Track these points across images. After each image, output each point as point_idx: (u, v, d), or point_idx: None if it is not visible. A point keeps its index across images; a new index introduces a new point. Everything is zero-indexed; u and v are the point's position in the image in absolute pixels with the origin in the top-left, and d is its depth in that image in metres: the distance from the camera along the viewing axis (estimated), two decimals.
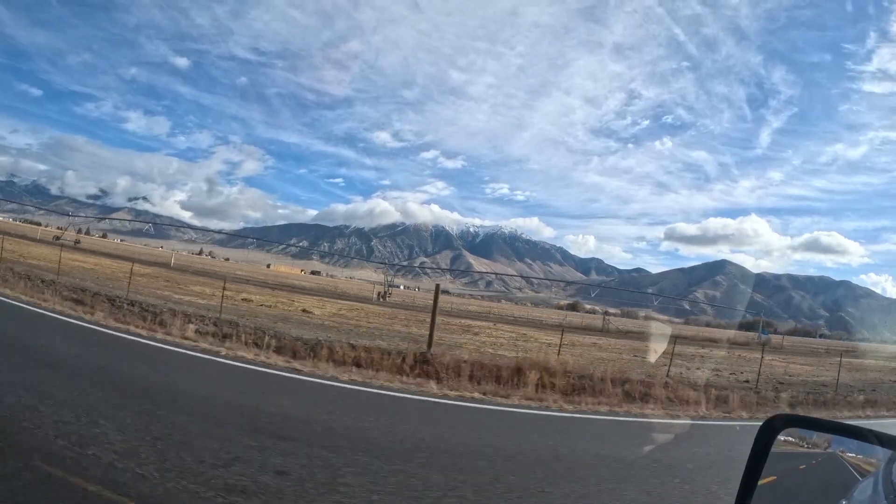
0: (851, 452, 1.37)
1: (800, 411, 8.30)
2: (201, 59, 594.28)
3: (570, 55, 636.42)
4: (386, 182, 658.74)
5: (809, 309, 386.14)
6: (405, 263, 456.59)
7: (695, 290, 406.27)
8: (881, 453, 1.30)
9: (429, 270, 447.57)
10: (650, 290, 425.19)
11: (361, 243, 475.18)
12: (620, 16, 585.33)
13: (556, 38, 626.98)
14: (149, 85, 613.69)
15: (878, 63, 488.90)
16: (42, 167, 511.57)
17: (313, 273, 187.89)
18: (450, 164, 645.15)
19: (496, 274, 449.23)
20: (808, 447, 1.42)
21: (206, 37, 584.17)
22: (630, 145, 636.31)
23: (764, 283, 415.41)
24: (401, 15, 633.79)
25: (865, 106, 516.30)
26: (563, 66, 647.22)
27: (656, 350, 22.56)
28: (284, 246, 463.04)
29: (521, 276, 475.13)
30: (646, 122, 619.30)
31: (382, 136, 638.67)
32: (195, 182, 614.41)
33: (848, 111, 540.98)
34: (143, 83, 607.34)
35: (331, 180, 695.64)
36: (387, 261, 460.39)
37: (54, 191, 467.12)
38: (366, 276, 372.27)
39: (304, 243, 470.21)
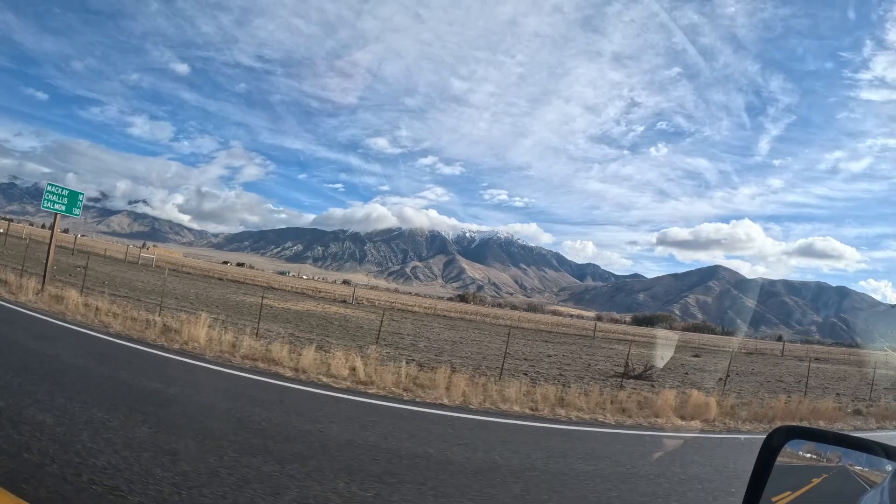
0: (858, 465, 1.33)
1: None
2: (206, 66, 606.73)
3: (570, 64, 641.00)
4: (385, 188, 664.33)
5: (803, 315, 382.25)
6: (398, 267, 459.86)
7: (686, 296, 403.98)
8: (887, 465, 1.26)
9: (420, 274, 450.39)
10: (642, 296, 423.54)
11: (356, 247, 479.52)
12: (619, 25, 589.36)
13: (555, 47, 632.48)
14: (153, 90, 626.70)
15: (874, 71, 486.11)
16: (45, 170, 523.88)
17: (239, 265, 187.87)
18: (448, 170, 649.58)
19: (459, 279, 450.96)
20: (815, 459, 1.39)
21: (211, 44, 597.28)
22: (631, 153, 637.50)
23: (758, 288, 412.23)
24: (403, 25, 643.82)
25: (863, 113, 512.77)
26: (562, 75, 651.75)
27: (663, 357, 24.55)
28: (279, 249, 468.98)
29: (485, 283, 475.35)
30: (646, 131, 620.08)
31: (382, 143, 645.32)
32: (195, 186, 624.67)
33: (846, 119, 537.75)
34: (148, 89, 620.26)
35: (331, 185, 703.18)
36: (380, 264, 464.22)
37: None
38: (359, 280, 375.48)
39: (299, 247, 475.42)
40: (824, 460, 1.39)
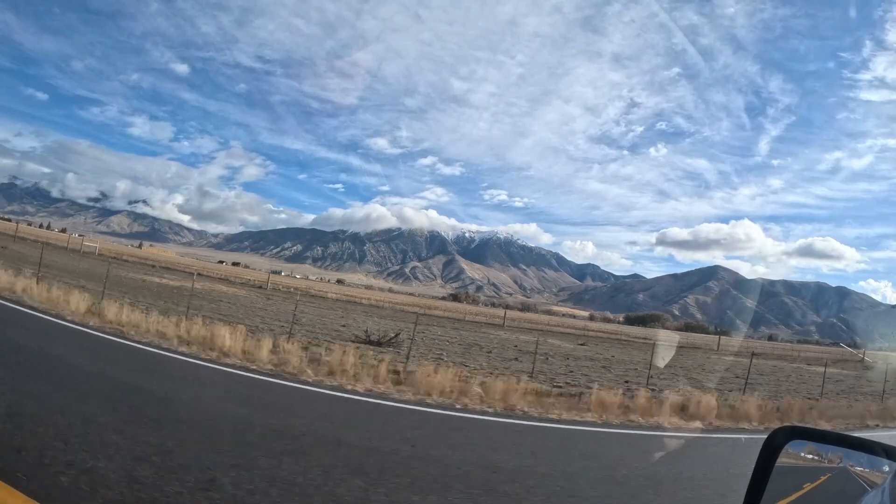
0: (859, 465, 1.32)
1: None
2: (206, 67, 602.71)
3: (570, 64, 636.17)
4: (385, 188, 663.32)
5: (803, 315, 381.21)
6: (397, 268, 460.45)
7: (686, 296, 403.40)
8: (888, 466, 1.26)
9: (420, 275, 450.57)
10: (641, 296, 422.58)
11: (355, 247, 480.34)
12: (619, 26, 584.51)
13: (555, 47, 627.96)
14: (153, 90, 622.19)
15: (874, 71, 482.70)
16: (45, 170, 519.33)
17: (234, 264, 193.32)
18: (448, 170, 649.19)
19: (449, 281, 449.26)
20: (817, 460, 1.38)
21: (211, 45, 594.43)
22: (630, 153, 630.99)
23: (757, 289, 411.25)
24: (403, 25, 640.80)
25: (863, 114, 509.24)
26: (562, 75, 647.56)
27: (664, 357, 24.68)
28: (279, 249, 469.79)
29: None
30: (646, 131, 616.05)
31: (382, 143, 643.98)
32: (194, 186, 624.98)
33: (846, 119, 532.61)
34: (148, 89, 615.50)
35: (331, 185, 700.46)
36: (380, 265, 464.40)
37: (55, 193, 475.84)
38: (357, 280, 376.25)
39: (298, 247, 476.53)
40: (825, 461, 1.36)
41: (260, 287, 51.37)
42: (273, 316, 21.70)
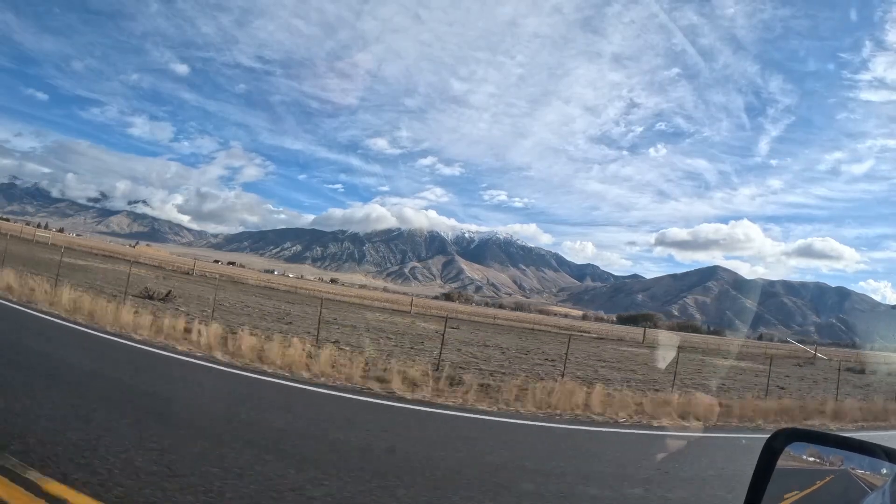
0: (860, 468, 1.32)
1: None
2: (206, 67, 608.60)
3: (570, 65, 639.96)
4: (385, 188, 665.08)
5: (803, 316, 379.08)
6: (396, 268, 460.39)
7: (685, 297, 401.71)
8: (888, 469, 1.26)
9: (419, 275, 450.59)
10: (640, 296, 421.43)
11: (354, 248, 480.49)
12: (618, 26, 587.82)
13: (555, 48, 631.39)
14: (153, 91, 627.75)
15: (874, 72, 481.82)
16: (45, 170, 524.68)
17: (230, 264, 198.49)
18: (447, 170, 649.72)
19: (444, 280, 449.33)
20: (818, 463, 1.38)
21: (211, 45, 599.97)
22: (630, 154, 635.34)
23: (757, 289, 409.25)
24: (403, 25, 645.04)
25: (863, 114, 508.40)
26: (562, 76, 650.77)
27: (664, 358, 25.15)
28: (279, 249, 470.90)
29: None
30: (646, 132, 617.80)
31: (382, 143, 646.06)
32: (194, 186, 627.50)
33: (846, 119, 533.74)
34: (148, 89, 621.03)
35: (331, 186, 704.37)
36: (379, 265, 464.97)
37: (55, 193, 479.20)
38: (356, 280, 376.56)
39: (298, 247, 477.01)
40: (827, 463, 1.36)
41: (187, 273, 56.58)
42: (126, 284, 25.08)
